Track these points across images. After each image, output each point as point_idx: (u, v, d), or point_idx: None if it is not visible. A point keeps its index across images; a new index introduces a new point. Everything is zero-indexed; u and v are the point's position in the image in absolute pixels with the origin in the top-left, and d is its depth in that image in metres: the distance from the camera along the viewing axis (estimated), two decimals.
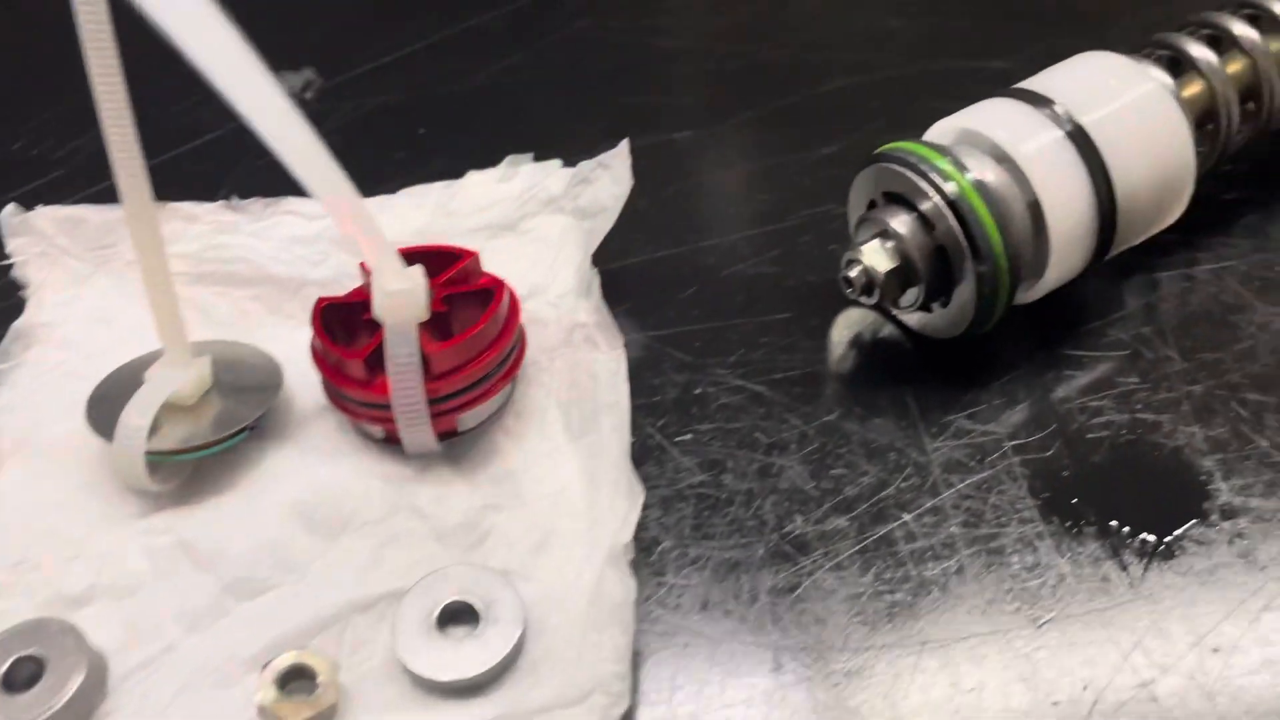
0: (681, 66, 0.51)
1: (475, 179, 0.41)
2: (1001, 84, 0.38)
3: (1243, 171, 0.43)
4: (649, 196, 0.44)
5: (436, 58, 0.52)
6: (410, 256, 0.35)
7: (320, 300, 0.35)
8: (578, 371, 0.35)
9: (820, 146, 0.45)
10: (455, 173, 0.43)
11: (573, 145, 0.43)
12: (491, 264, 0.38)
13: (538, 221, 0.39)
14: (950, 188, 0.34)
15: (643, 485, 0.33)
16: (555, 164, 0.41)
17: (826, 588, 0.32)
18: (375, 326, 0.33)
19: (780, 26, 0.53)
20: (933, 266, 0.35)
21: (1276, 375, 0.36)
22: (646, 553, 0.33)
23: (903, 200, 0.35)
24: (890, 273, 0.35)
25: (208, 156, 0.48)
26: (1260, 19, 0.40)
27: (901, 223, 0.35)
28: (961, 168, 0.34)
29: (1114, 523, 0.33)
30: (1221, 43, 0.40)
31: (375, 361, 0.33)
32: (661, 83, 0.50)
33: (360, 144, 0.48)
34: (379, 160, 0.46)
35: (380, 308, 0.32)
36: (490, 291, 0.35)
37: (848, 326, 0.39)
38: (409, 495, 0.33)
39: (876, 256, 0.35)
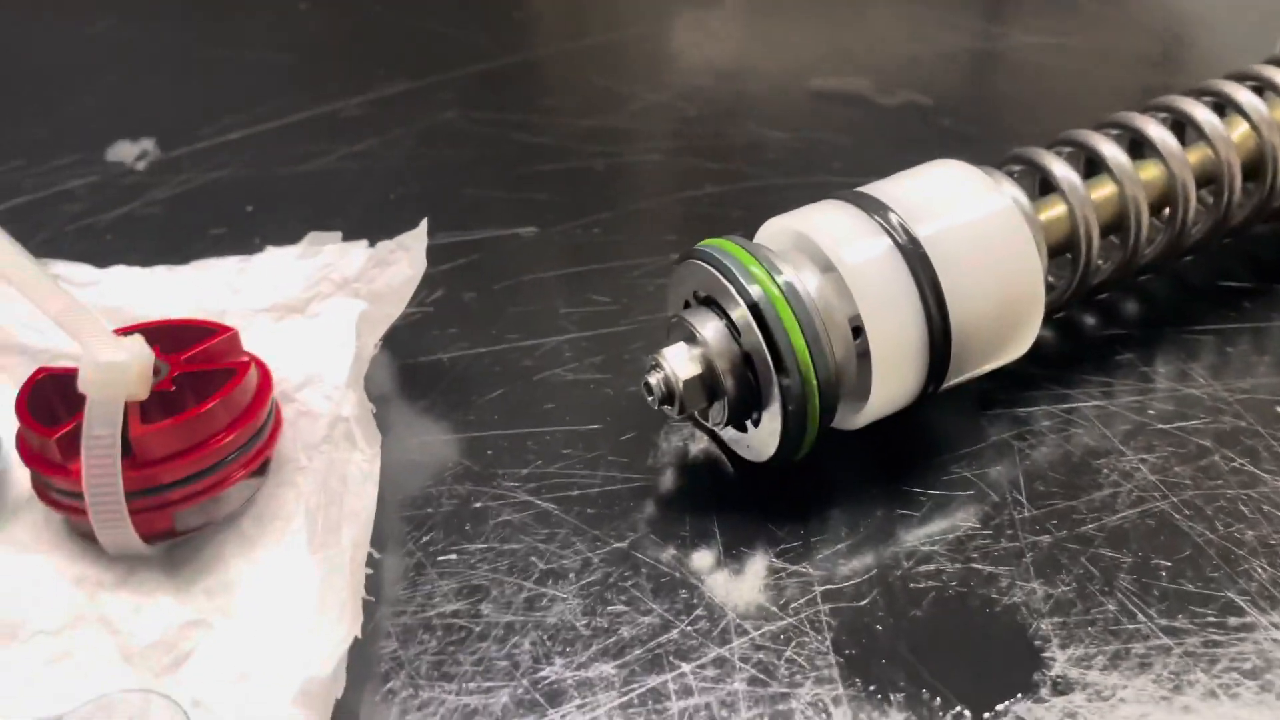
0: (540, 163, 0.48)
1: (271, 255, 0.37)
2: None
3: (1126, 307, 0.40)
4: (477, 290, 0.40)
5: (285, 138, 0.49)
6: (156, 331, 0.31)
7: (39, 370, 0.30)
8: (331, 473, 0.31)
9: (672, 251, 0.42)
10: None
11: (405, 232, 0.39)
12: (271, 348, 0.34)
13: (328, 304, 0.35)
14: (756, 291, 0.30)
15: (360, 613, 0.28)
16: (361, 245, 0.37)
17: None
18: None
19: (649, 132, 0.50)
20: (739, 377, 0.31)
21: (1136, 530, 0.32)
22: (369, 693, 0.27)
23: (715, 304, 0.31)
24: (692, 381, 0.31)
25: (19, 218, 0.44)
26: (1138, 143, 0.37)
27: (709, 328, 0.31)
28: (774, 271, 0.30)
29: (925, 692, 0.28)
30: (1094, 164, 0.37)
31: (74, 442, 0.28)
32: (516, 178, 0.47)
33: (180, 217, 0.44)
34: (192, 234, 0.42)
35: (85, 380, 0.28)
36: (234, 372, 0.30)
37: (664, 444, 0.35)
38: (101, 604, 0.28)
39: (679, 363, 0.31)
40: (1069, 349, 0.38)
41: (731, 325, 0.31)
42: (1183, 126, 0.38)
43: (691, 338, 0.31)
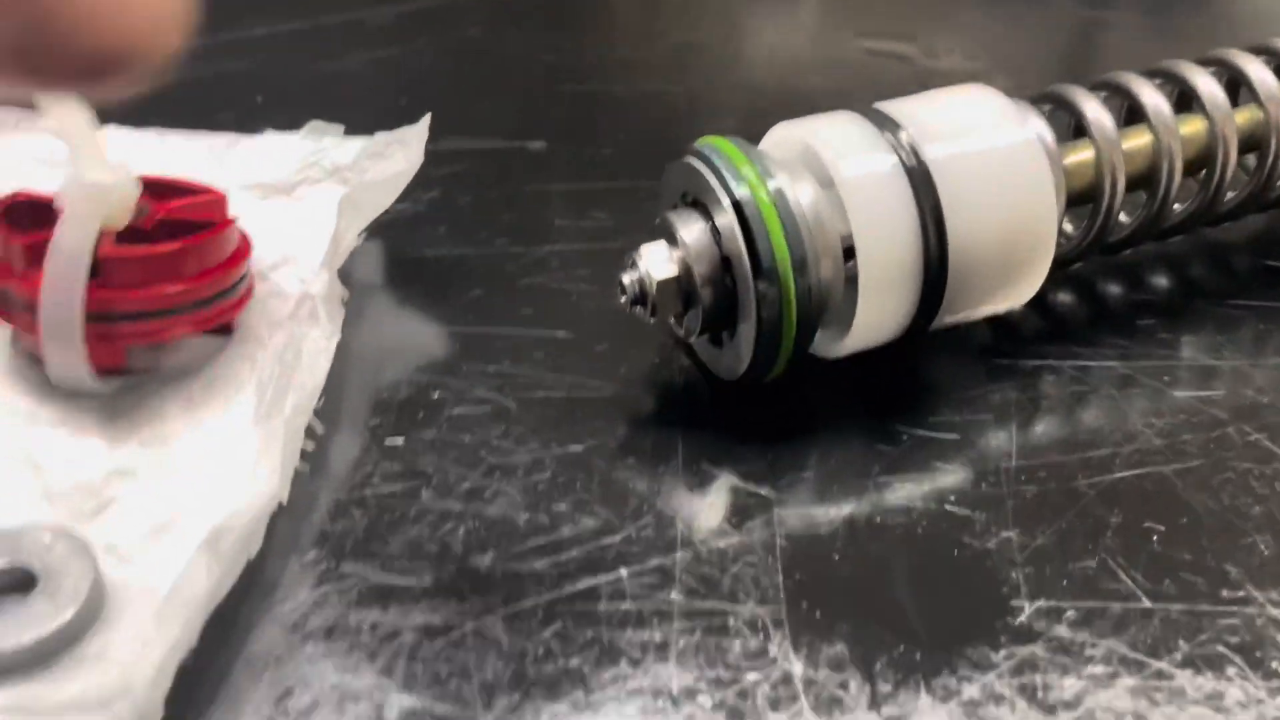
0: (562, 85, 0.46)
1: (268, 137, 0.36)
2: None
3: (1157, 278, 0.37)
4: (473, 194, 0.39)
5: (309, 39, 0.48)
6: (148, 181, 0.30)
7: (17, 192, 0.30)
8: (288, 348, 0.30)
9: None
10: None
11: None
12: (252, 226, 0.33)
13: (316, 190, 0.34)
14: (742, 192, 0.28)
15: (289, 479, 0.27)
16: (360, 139, 0.36)
17: (489, 638, 0.25)
18: None
19: (681, 66, 0.49)
20: (716, 283, 0.29)
21: (1131, 491, 0.29)
22: (290, 562, 0.26)
23: (701, 206, 0.30)
24: (666, 283, 0.29)
25: None
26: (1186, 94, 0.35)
27: (692, 230, 0.29)
28: (767, 175, 0.28)
29: (874, 624, 0.26)
30: (1135, 111, 0.34)
31: (40, 253, 0.27)
32: (535, 96, 0.45)
33: (189, 100, 0.43)
34: (198, 117, 0.41)
35: (68, 193, 0.27)
36: (213, 224, 0.29)
37: (640, 357, 0.33)
38: (29, 440, 0.28)
39: (655, 263, 0.29)
40: (1089, 310, 0.36)
41: (715, 229, 0.29)
42: (1238, 85, 0.36)
43: (672, 238, 0.30)
